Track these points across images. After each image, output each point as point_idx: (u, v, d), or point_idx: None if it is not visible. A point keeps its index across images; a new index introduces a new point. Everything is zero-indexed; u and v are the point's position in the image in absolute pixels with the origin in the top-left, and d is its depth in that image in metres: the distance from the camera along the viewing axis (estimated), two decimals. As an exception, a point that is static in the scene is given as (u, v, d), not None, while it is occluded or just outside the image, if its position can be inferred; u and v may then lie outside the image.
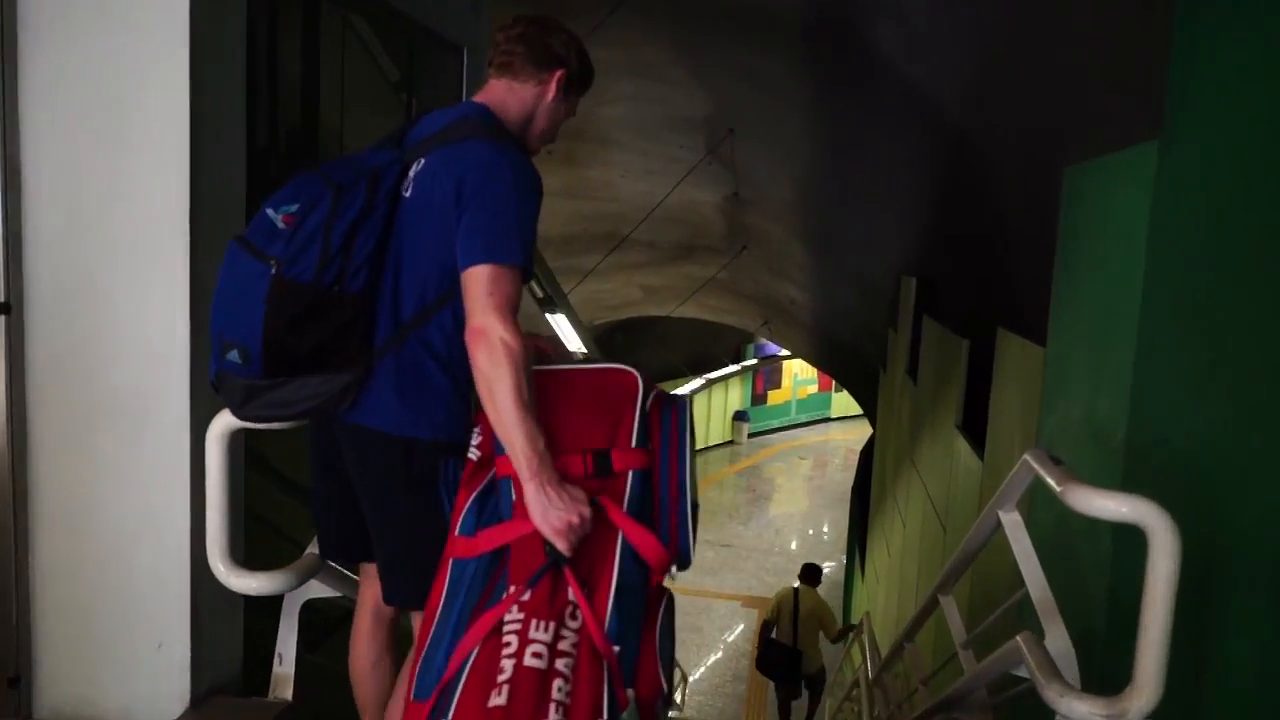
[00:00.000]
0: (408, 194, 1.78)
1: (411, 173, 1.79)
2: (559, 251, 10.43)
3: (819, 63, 6.08)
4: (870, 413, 11.63)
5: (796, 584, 8.23)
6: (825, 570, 15.40)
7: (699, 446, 18.41)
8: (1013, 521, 2.09)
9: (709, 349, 20.93)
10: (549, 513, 1.54)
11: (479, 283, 1.63)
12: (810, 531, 18.03)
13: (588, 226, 10.09)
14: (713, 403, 23.00)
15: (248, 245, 1.68)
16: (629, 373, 1.74)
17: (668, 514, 1.67)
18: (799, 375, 25.23)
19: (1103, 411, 2.31)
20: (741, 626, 13.64)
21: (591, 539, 1.58)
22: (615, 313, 14.21)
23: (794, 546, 17.15)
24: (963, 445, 4.21)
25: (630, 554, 1.59)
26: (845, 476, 18.62)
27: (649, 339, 18.39)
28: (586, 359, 1.93)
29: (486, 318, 1.60)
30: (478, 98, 1.90)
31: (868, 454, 11.90)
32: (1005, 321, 3.93)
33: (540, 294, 7.68)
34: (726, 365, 20.23)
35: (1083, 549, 2.29)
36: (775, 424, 25.46)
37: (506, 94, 1.88)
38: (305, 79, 2.88)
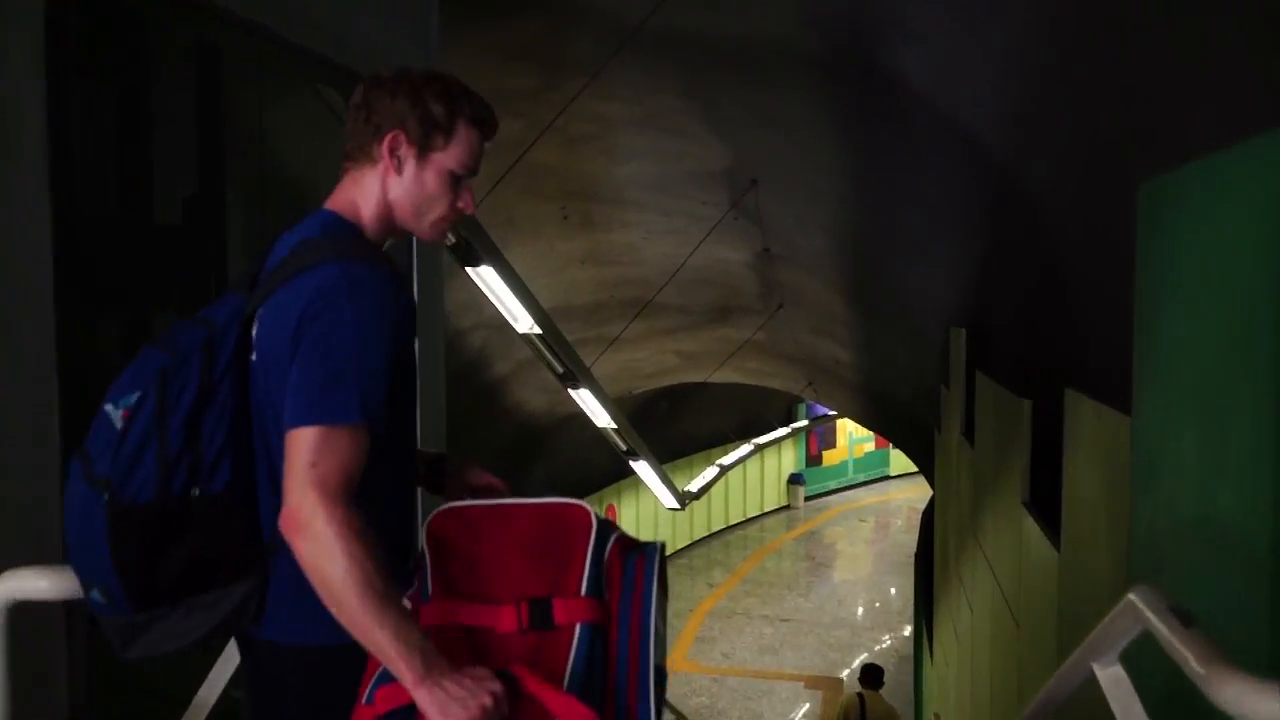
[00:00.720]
0: (254, 357, 1.48)
1: (254, 330, 1.48)
2: (586, 322, 9.97)
3: (842, 101, 5.58)
4: (928, 473, 10.87)
5: (859, 689, 7.73)
6: (893, 641, 14.69)
7: (753, 514, 17.71)
8: (1113, 679, 1.46)
9: (758, 412, 20.27)
10: (450, 708, 1.26)
11: (298, 451, 1.34)
12: (877, 602, 17.08)
13: (614, 293, 9.63)
14: (765, 466, 22.26)
15: (84, 459, 1.40)
16: (580, 508, 1.47)
17: (625, 680, 1.40)
18: (854, 433, 24.38)
19: (1228, 506, 1.68)
20: (805, 708, 12.80)
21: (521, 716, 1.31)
22: (651, 381, 13.68)
23: (860, 616, 16.22)
24: (1032, 528, 3.54)
25: None
26: (909, 538, 17.70)
27: (694, 405, 17.80)
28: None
29: (304, 498, 1.31)
30: (327, 203, 1.57)
31: (930, 515, 11.10)
32: (1073, 378, 3.29)
33: (560, 369, 7.18)
34: (776, 428, 19.50)
35: None
36: (832, 485, 24.55)
37: (352, 188, 1.56)
38: (206, 142, 2.41)
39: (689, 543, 19.80)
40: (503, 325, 6.75)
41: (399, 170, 1.53)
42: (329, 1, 2.60)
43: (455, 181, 1.57)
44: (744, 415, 19.95)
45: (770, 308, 9.77)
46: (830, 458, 24.66)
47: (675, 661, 13.95)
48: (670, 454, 17.49)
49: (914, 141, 5.29)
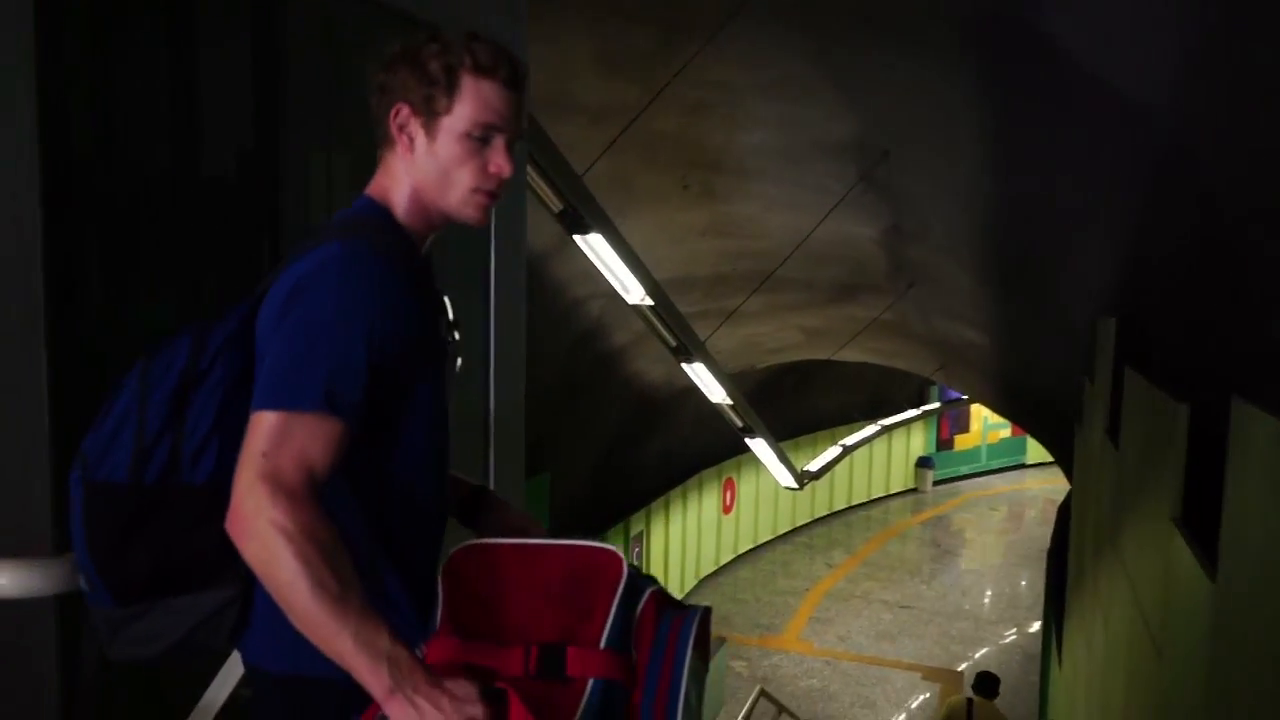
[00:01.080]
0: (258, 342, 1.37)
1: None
2: (707, 294, 9.71)
3: (988, 66, 5.13)
4: (1065, 466, 10.22)
5: (969, 694, 7.33)
6: (1018, 638, 14.01)
7: (878, 495, 17.32)
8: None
9: (887, 392, 19.63)
10: None
11: (253, 438, 1.23)
12: (1006, 590, 16.37)
13: (736, 266, 9.32)
14: (893, 448, 21.60)
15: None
16: (611, 553, 1.34)
17: None
18: (989, 419, 23.37)
19: None
20: (922, 699, 12.37)
21: None
22: (775, 356, 13.33)
23: (985, 608, 15.56)
24: (1183, 550, 3.12)
25: None
26: (1043, 531, 16.87)
27: (820, 383, 17.33)
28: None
29: (252, 492, 1.19)
30: (366, 189, 1.47)
31: (1067, 510, 10.43)
32: (1243, 384, 2.86)
33: (673, 343, 6.96)
34: (906, 410, 18.80)
35: None
36: (963, 470, 23.61)
37: (382, 176, 1.44)
38: (264, 98, 2.25)
39: (809, 520, 19.42)
40: (620, 295, 6.58)
41: (412, 148, 1.38)
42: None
43: (478, 145, 1.37)
44: (872, 395, 19.35)
45: (899, 287, 9.28)
46: (962, 442, 23.72)
47: (787, 641, 13.70)
48: (793, 431, 17.10)
49: (1067, 109, 4.81)
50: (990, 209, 6.71)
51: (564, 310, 8.80)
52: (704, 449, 15.15)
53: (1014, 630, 14.61)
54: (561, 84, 5.87)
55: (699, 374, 7.66)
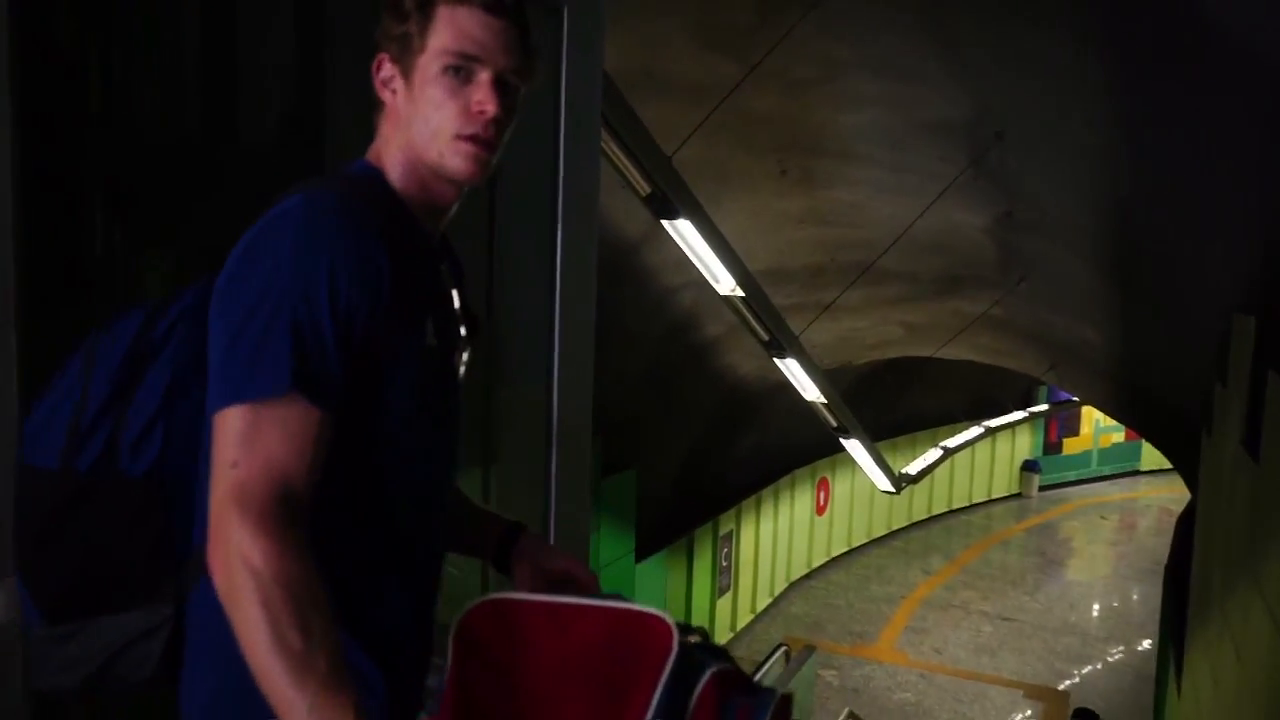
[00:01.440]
0: None
1: None
2: (805, 286, 9.34)
3: (1118, 38, 4.70)
4: (1187, 476, 9.54)
5: None
6: (1128, 656, 13.25)
7: (980, 500, 16.72)
8: None
9: (992, 392, 18.85)
10: None
11: (219, 445, 1.04)
12: (1116, 605, 15.58)
13: (835, 256, 8.94)
14: (997, 450, 20.76)
15: None
16: (659, 620, 1.10)
17: None
18: (1100, 422, 22.32)
19: None
20: (1022, 717, 11.79)
21: None
22: (874, 352, 12.85)
23: (1093, 624, 14.79)
24: (1347, 585, 2.70)
25: None
26: (1158, 542, 15.97)
27: (923, 380, 16.71)
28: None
29: (222, 515, 1.00)
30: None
31: (1187, 523, 9.74)
32: None
33: (765, 337, 6.67)
34: (1011, 411, 18.02)
35: None
36: (1071, 476, 22.60)
37: (376, 141, 1.27)
38: (305, 57, 2.05)
39: (907, 524, 18.81)
40: (710, 284, 6.31)
41: (391, 98, 1.22)
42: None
43: (458, 83, 1.18)
44: (975, 395, 18.60)
45: (1010, 280, 8.76)
46: (1071, 446, 22.71)
47: (881, 650, 13.24)
48: (891, 431, 16.56)
49: (1208, 86, 4.37)
50: (1114, 196, 6.22)
51: (655, 299, 8.57)
52: (798, 446, 14.76)
53: (1123, 648, 13.85)
54: (653, 60, 5.63)
55: (792, 370, 7.35)
